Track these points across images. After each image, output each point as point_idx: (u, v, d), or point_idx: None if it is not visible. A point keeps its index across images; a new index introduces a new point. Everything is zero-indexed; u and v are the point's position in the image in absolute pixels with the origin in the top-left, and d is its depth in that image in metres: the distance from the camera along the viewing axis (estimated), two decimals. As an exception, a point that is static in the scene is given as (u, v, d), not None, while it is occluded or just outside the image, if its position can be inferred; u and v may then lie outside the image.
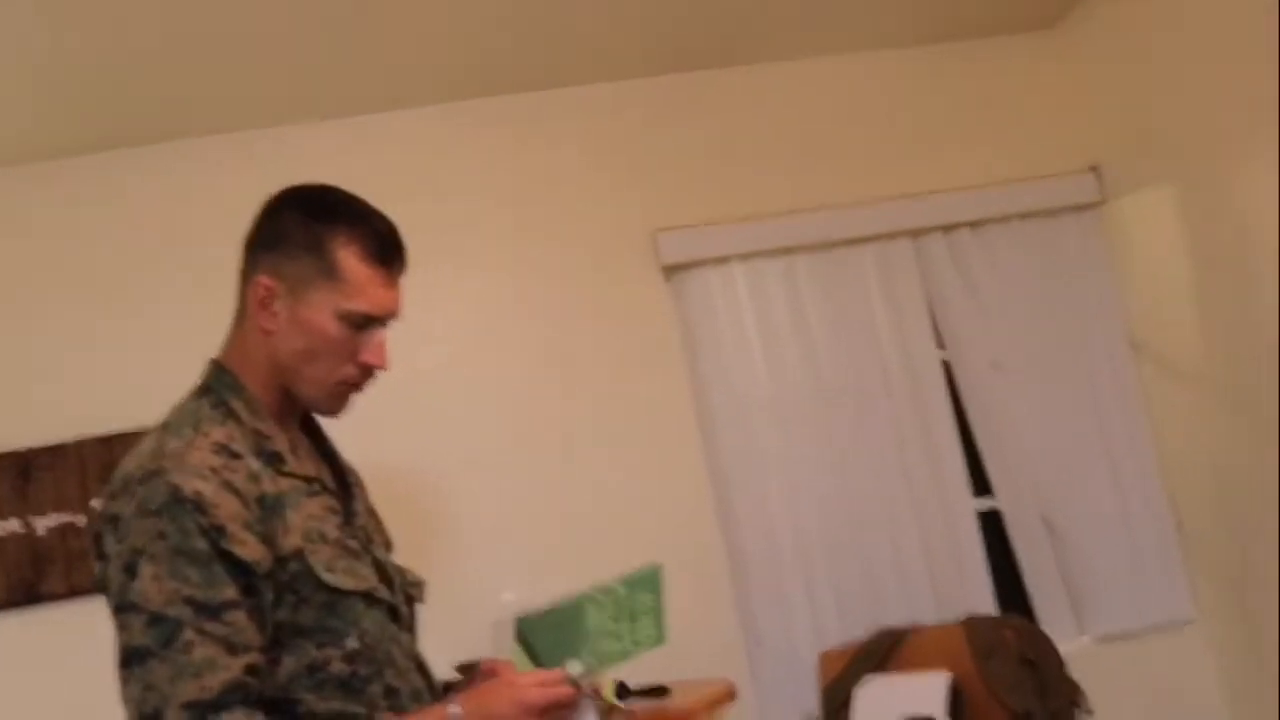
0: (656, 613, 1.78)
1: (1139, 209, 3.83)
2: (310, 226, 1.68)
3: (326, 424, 1.82)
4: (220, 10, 2.91)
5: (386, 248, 1.70)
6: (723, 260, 3.73)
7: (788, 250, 3.76)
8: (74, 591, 3.34)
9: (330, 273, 1.66)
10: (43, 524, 3.38)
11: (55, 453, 3.40)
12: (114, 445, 3.36)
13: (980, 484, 3.84)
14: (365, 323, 1.68)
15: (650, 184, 3.75)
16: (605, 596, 1.73)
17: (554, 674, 1.62)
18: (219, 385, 1.68)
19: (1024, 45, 4.02)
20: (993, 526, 3.84)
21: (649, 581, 1.78)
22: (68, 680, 3.23)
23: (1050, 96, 4.01)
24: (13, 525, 3.37)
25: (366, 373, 1.72)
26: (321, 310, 1.66)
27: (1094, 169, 3.96)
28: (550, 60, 3.58)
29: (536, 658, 1.67)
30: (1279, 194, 3.00)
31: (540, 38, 3.43)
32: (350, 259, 1.66)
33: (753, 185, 3.79)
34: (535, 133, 3.74)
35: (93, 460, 3.39)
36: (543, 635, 1.68)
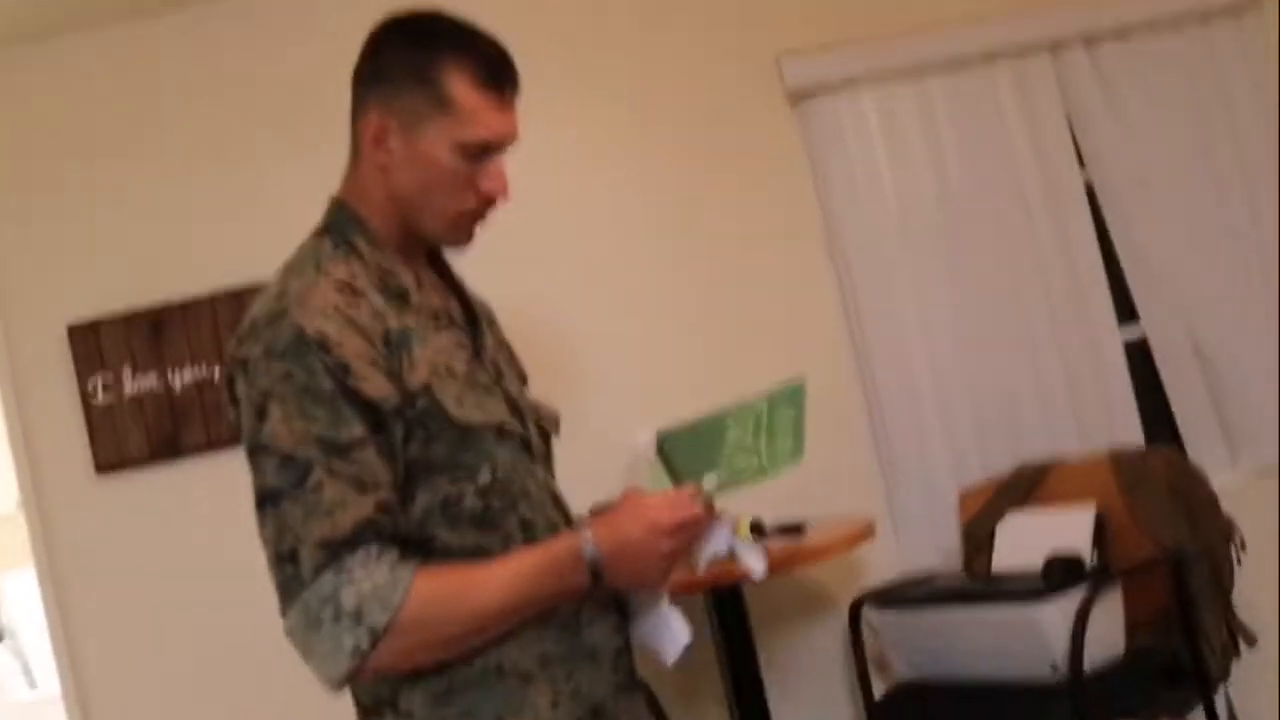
0: (796, 429, 1.74)
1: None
2: (416, 56, 1.62)
3: (454, 258, 1.78)
4: None
5: (497, 71, 1.64)
6: (851, 83, 3.57)
7: (919, 71, 3.59)
8: (213, 444, 3.40)
9: (442, 103, 1.60)
10: (179, 379, 3.43)
11: (188, 309, 3.44)
12: (245, 298, 3.36)
13: (1126, 310, 3.68)
14: (483, 151, 1.63)
15: (772, 3, 3.59)
16: (747, 412, 1.68)
17: (683, 494, 1.59)
18: (340, 223, 1.65)
19: None
20: (1140, 355, 3.69)
21: (792, 397, 1.73)
22: (210, 531, 3.33)
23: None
24: (150, 381, 3.43)
25: (488, 202, 1.67)
26: (437, 143, 1.61)
27: (1251, -35, 3.68)
28: None
29: (676, 474, 1.64)
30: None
31: None
32: (461, 86, 1.60)
33: (879, 2, 3.60)
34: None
35: (225, 313, 3.42)
36: (683, 451, 1.65)
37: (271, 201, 3.41)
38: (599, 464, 3.18)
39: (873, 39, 3.58)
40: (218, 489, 3.26)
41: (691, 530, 1.59)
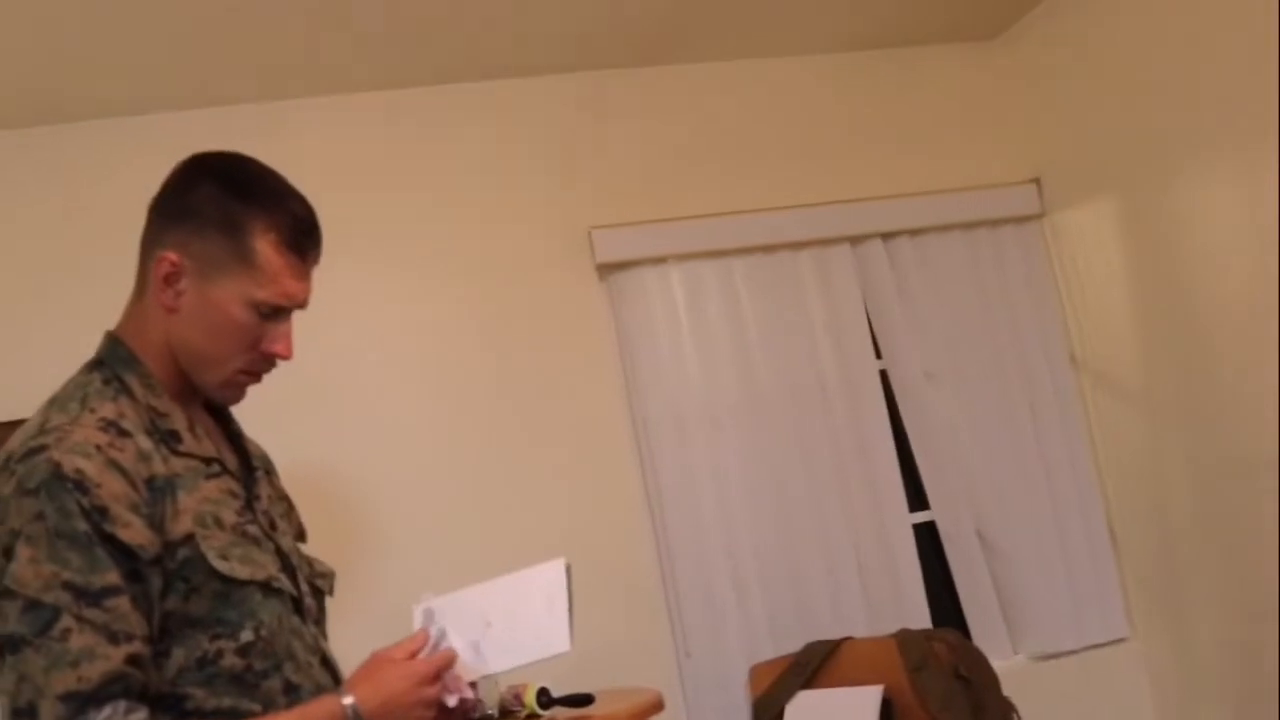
0: (560, 612, 1.70)
1: (1079, 222, 3.82)
2: (226, 204, 1.60)
3: (238, 408, 1.76)
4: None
5: (304, 236, 1.64)
6: (659, 260, 3.66)
7: (725, 252, 3.71)
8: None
9: (245, 258, 1.59)
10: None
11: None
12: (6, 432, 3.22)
13: (917, 496, 3.79)
14: (274, 313, 1.62)
15: (587, 181, 3.69)
16: (506, 589, 1.70)
17: (418, 639, 1.62)
18: (113, 359, 1.61)
19: (967, 54, 4.01)
20: (929, 540, 3.79)
21: (552, 578, 1.71)
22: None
23: (992, 106, 4.00)
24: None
25: (269, 362, 1.66)
26: (231, 295, 1.59)
27: (1035, 181, 3.94)
28: (486, 52, 3.51)
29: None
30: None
31: (477, 29, 3.36)
32: (267, 246, 1.59)
33: (691, 185, 3.73)
34: (470, 125, 3.66)
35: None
36: (450, 619, 1.66)
37: (42, 334, 3.26)
38: (383, 627, 3.08)
39: (681, 219, 3.68)
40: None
41: (448, 671, 1.60)
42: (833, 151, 3.84)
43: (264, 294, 1.59)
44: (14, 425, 3.09)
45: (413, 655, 1.59)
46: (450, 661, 1.60)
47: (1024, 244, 3.93)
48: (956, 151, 3.93)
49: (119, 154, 3.36)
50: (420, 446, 3.50)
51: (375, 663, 1.58)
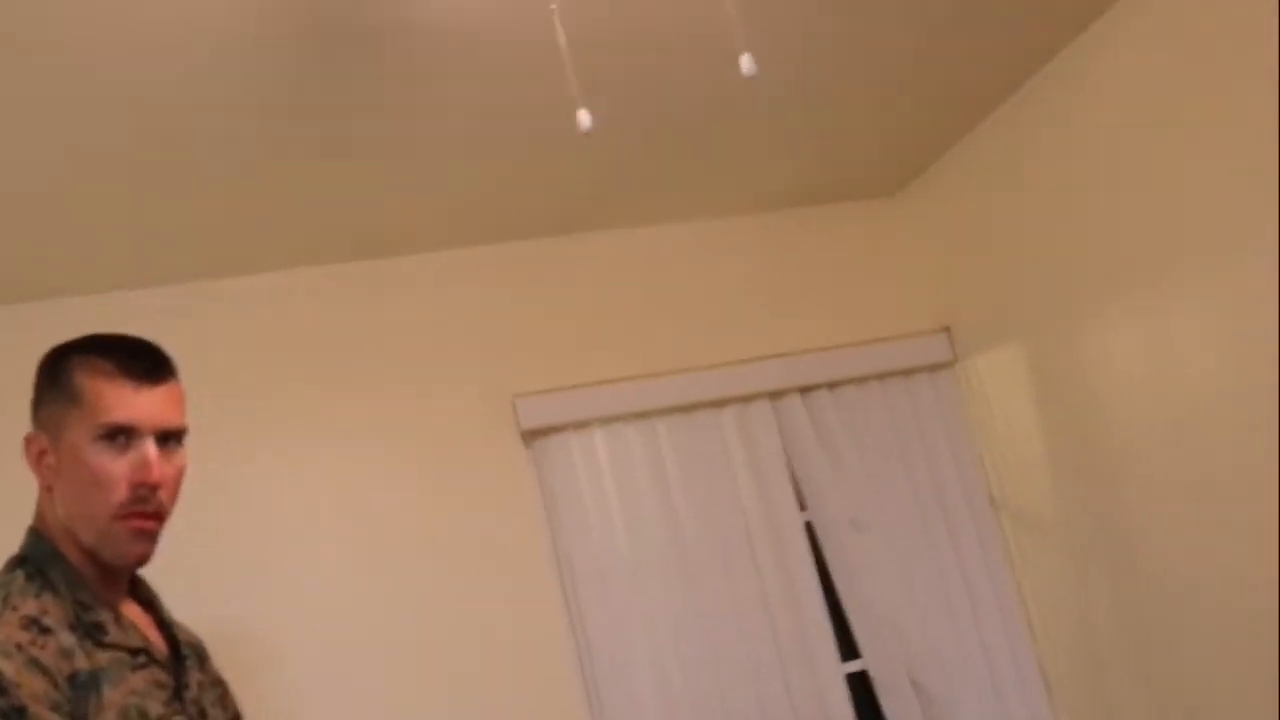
0: None
1: (990, 367, 3.94)
2: (51, 370, 1.67)
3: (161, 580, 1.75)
4: (42, 172, 2.82)
5: (126, 357, 1.66)
6: (583, 425, 3.72)
7: (647, 414, 3.77)
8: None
9: (74, 399, 1.62)
10: None
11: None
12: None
13: (848, 645, 3.81)
14: (122, 435, 1.61)
15: (509, 349, 3.75)
16: None
17: None
18: (36, 555, 1.62)
19: (872, 210, 4.16)
20: (862, 685, 3.80)
21: None
22: None
23: (901, 260, 4.13)
24: None
25: (138, 494, 1.61)
26: (78, 441, 1.61)
27: (945, 329, 4.07)
28: (405, 225, 3.59)
29: None
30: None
31: (394, 204, 3.44)
32: (87, 378, 1.63)
33: (611, 349, 3.81)
34: (392, 296, 3.72)
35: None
36: None
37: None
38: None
39: (603, 384, 3.74)
40: None
41: None
42: (747, 309, 3.95)
43: (99, 419, 1.60)
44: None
45: None
46: None
47: (938, 391, 4.03)
48: (868, 304, 4.05)
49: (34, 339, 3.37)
50: (346, 611, 3.47)
51: None
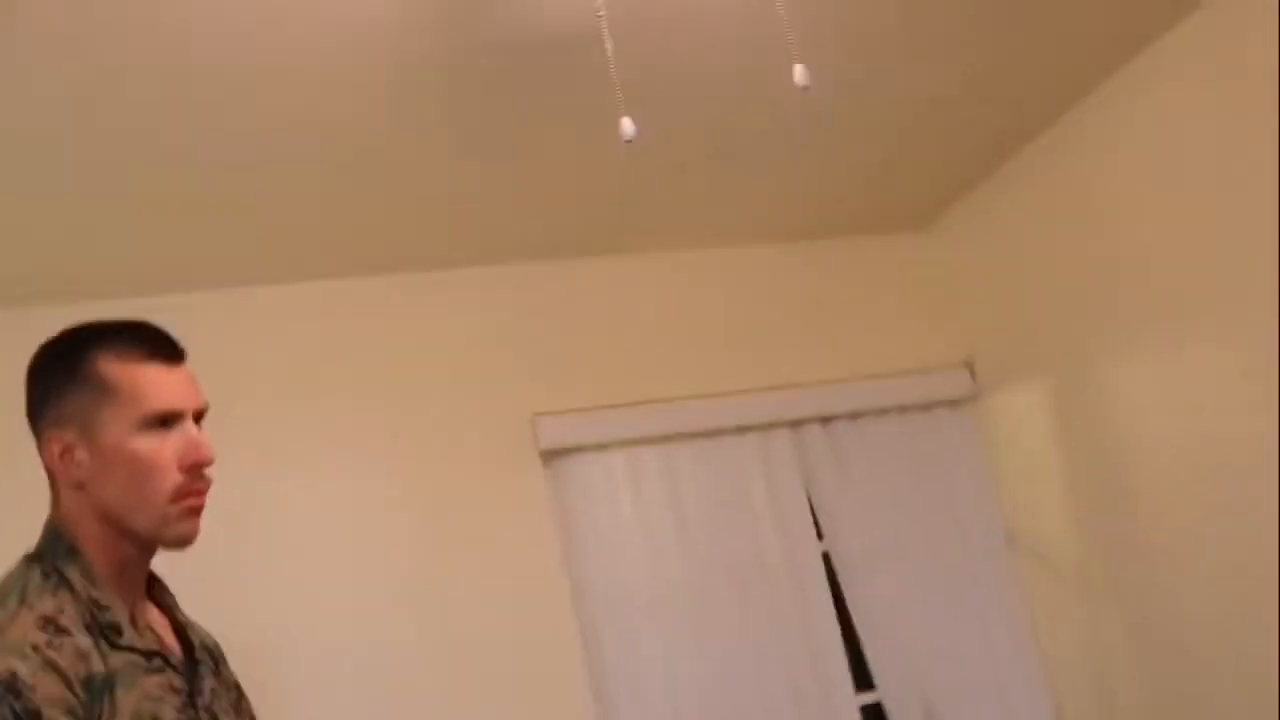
0: None
1: (1012, 404, 3.93)
2: (64, 364, 1.62)
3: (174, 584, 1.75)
4: (68, 175, 2.83)
5: (147, 341, 1.64)
6: (602, 447, 3.72)
7: (667, 438, 3.77)
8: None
9: (106, 392, 1.58)
10: None
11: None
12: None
13: (863, 677, 3.79)
14: (167, 421, 1.60)
15: (530, 369, 3.76)
16: None
17: None
18: (54, 551, 1.59)
19: (899, 243, 4.16)
20: (876, 717, 3.78)
21: None
22: None
23: (925, 293, 4.13)
24: None
25: (194, 475, 1.61)
26: (120, 434, 1.58)
27: (968, 364, 4.06)
28: (430, 242, 3.60)
29: None
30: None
31: (418, 220, 3.45)
32: (115, 368, 1.60)
33: (632, 373, 3.81)
34: (415, 314, 3.73)
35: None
36: None
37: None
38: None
39: (624, 406, 3.75)
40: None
41: None
42: (770, 338, 3.95)
43: (142, 409, 1.58)
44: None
45: None
46: None
47: (958, 425, 4.03)
48: (891, 336, 4.05)
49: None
50: (357, 626, 3.47)
51: None
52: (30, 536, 1.67)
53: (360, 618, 3.48)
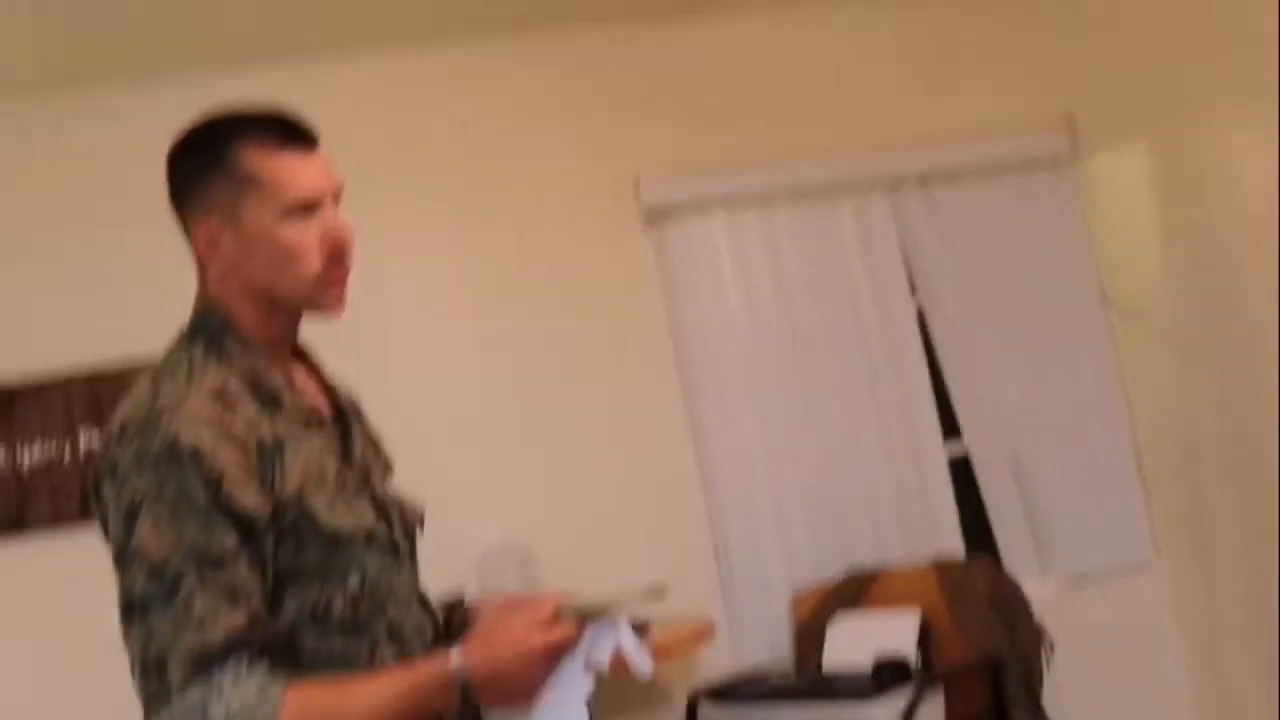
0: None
1: (1111, 164, 3.88)
2: (204, 156, 1.64)
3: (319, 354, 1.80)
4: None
5: (284, 129, 1.65)
6: (703, 207, 3.76)
7: (767, 199, 3.80)
8: (59, 519, 3.38)
9: (248, 182, 1.61)
10: (28, 454, 3.40)
11: (43, 388, 3.43)
12: (99, 382, 3.39)
13: (951, 429, 3.91)
14: (310, 207, 1.64)
15: (633, 129, 3.77)
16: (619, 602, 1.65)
17: (550, 613, 1.58)
18: (209, 326, 1.65)
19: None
20: (962, 468, 3.92)
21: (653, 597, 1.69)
22: (54, 608, 3.28)
23: (1026, 49, 4.02)
24: (-3, 455, 3.39)
25: (338, 252, 1.66)
26: (264, 220, 1.61)
27: (1068, 123, 3.99)
28: (530, 2, 3.55)
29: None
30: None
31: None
32: (256, 158, 1.62)
33: (733, 133, 3.81)
34: (523, 73, 3.74)
35: (79, 395, 3.41)
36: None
37: (127, 282, 3.40)
38: (432, 566, 3.21)
39: (726, 167, 3.77)
40: (64, 566, 3.22)
41: (562, 651, 1.58)
42: (869, 97, 3.92)
43: (285, 198, 1.60)
44: (104, 376, 3.26)
45: (541, 628, 1.56)
46: (568, 643, 1.57)
47: (1057, 186, 4.00)
48: (991, 94, 3.98)
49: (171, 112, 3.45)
50: (464, 390, 3.60)
51: (498, 626, 1.61)
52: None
53: (466, 374, 3.62)
